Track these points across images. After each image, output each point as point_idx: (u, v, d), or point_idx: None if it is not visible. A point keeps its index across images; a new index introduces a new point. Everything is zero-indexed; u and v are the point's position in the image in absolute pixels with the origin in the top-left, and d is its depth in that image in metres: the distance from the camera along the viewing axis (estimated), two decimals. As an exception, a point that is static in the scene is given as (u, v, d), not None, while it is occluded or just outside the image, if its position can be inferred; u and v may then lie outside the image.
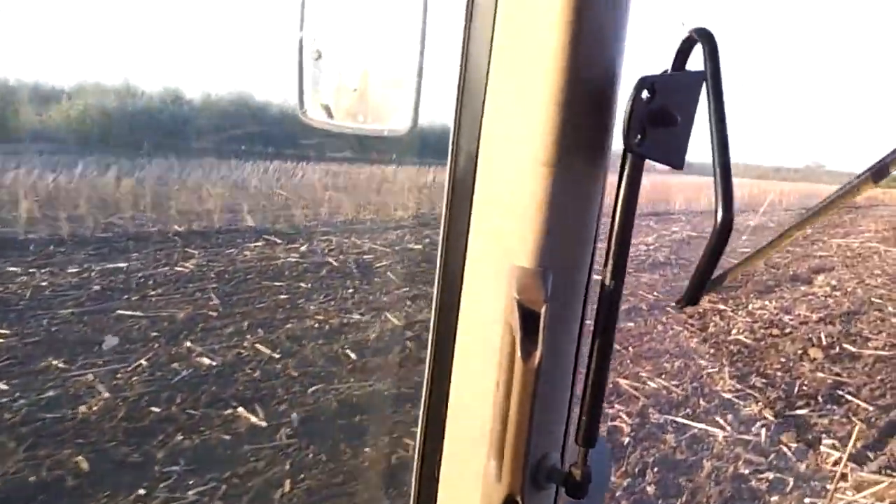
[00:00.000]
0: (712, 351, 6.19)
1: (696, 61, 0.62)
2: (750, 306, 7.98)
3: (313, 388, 4.81)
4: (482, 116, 0.66)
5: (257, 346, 5.59)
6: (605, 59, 0.62)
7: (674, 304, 7.96)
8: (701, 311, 7.69)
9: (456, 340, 0.73)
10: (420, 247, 11.22)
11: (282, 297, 7.30)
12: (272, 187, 16.66)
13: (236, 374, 5.00)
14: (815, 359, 6.11)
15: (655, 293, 8.47)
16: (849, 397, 5.23)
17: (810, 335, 6.83)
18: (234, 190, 15.53)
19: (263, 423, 4.19)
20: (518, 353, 0.60)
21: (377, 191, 17.73)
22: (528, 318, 0.61)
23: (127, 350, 5.42)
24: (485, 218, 0.68)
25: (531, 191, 0.63)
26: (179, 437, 3.96)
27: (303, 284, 7.90)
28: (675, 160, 0.62)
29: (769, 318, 7.44)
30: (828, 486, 3.81)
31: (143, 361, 5.15)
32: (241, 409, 4.37)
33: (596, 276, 0.68)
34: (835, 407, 5.05)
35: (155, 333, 5.83)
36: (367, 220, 13.51)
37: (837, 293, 8.99)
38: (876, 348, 6.52)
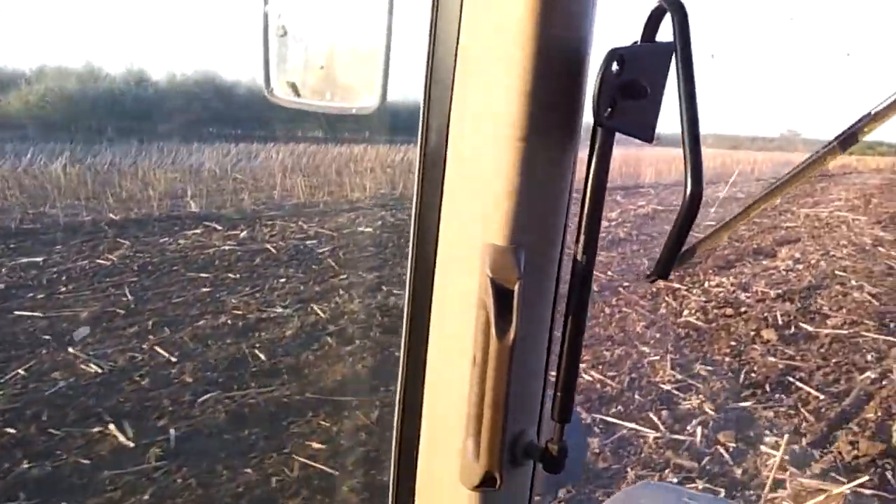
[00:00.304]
0: (658, 336, 5.75)
1: (666, 32, 0.59)
2: (707, 283, 7.56)
3: (204, 396, 4.31)
4: (452, 93, 0.65)
5: (156, 348, 5.07)
6: (576, 30, 0.60)
7: (631, 281, 7.53)
8: (655, 290, 7.26)
9: (430, 319, 0.71)
10: (370, 230, 10.71)
11: (203, 290, 6.77)
12: (228, 170, 16.06)
13: (122, 382, 4.48)
14: (767, 340, 5.69)
15: (609, 272, 8.03)
16: (799, 384, 4.81)
17: (766, 314, 6.41)
18: (187, 174, 14.91)
19: (131, 444, 3.69)
20: (493, 331, 0.59)
21: (339, 171, 17.13)
22: (501, 296, 0.60)
23: (10, 357, 4.89)
24: (456, 196, 0.66)
25: (503, 167, 0.61)
26: (26, 465, 3.45)
27: (230, 275, 7.36)
28: (645, 133, 0.61)
29: (724, 297, 7.02)
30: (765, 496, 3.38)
31: (20, 371, 4.62)
32: (111, 427, 3.86)
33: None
34: (783, 396, 4.63)
35: (47, 337, 5.30)
36: (321, 202, 12.92)
37: (800, 266, 8.59)
38: (834, 326, 6.11)
